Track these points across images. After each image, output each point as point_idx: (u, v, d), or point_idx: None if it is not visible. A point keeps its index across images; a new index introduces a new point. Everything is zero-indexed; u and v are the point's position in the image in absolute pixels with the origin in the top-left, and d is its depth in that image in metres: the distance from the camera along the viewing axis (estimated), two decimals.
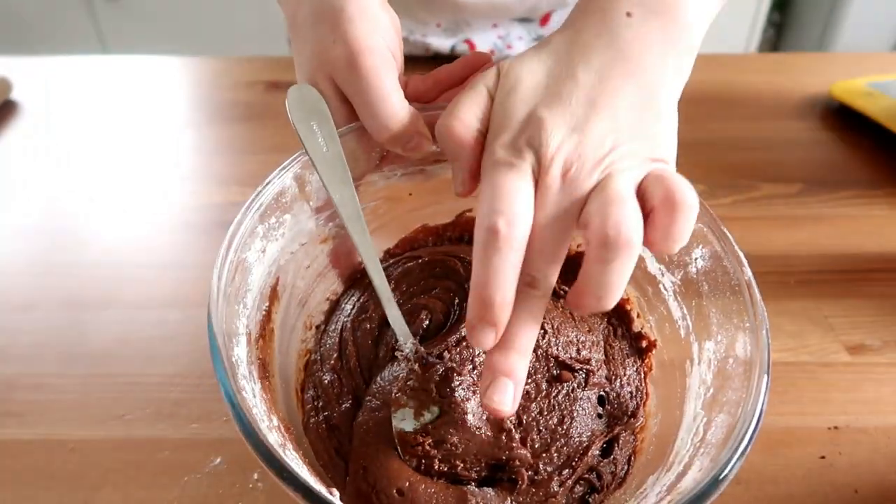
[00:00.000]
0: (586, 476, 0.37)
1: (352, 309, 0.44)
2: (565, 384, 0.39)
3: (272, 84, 0.85)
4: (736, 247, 0.35)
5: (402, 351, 0.39)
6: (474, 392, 0.36)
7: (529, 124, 0.30)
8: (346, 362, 0.41)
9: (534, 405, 0.38)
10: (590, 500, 0.36)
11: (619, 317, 0.44)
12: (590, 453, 0.37)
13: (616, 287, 0.28)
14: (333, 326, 0.44)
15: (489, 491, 0.35)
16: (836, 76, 0.81)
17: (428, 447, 0.35)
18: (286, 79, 0.85)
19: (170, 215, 0.65)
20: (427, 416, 0.36)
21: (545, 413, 0.38)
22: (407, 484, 0.34)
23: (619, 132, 0.30)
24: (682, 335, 0.39)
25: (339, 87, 0.38)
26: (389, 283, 0.39)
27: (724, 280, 0.35)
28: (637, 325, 0.43)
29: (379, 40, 0.37)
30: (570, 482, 0.36)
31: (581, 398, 0.39)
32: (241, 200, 0.35)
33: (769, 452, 0.43)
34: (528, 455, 0.36)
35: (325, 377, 0.41)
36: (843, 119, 0.77)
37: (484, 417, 0.36)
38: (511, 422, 0.36)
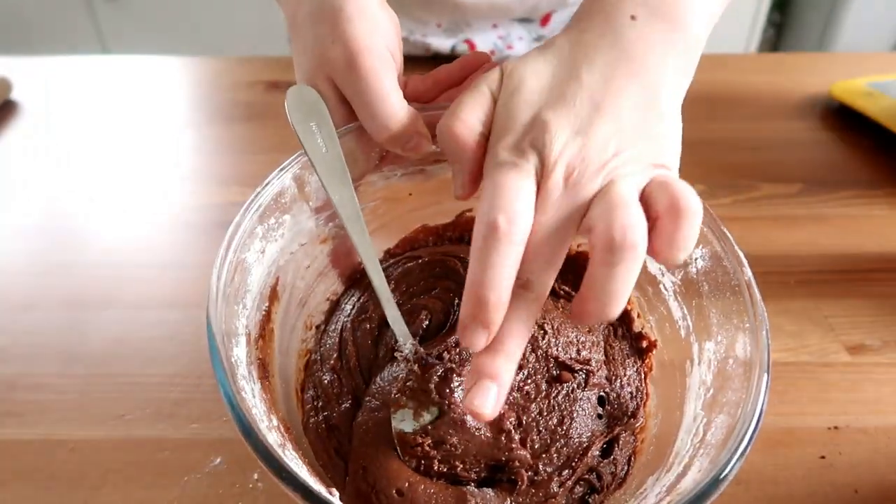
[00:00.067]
0: (586, 476, 0.37)
1: (352, 309, 0.44)
2: (565, 385, 0.39)
3: (272, 84, 0.85)
4: (736, 247, 0.35)
5: (401, 351, 0.39)
6: None
7: (533, 126, 0.30)
8: (346, 362, 0.41)
9: (533, 406, 0.38)
10: (590, 500, 0.36)
11: (620, 317, 0.44)
12: (590, 454, 0.37)
13: (621, 293, 0.27)
14: (333, 326, 0.44)
15: (489, 491, 0.35)
16: (836, 76, 0.81)
17: (427, 448, 0.35)
18: (286, 79, 0.85)
19: (170, 215, 0.65)
20: (426, 417, 0.36)
21: (545, 413, 0.38)
22: (406, 484, 0.34)
23: (623, 134, 0.30)
24: (682, 335, 0.39)
25: (339, 88, 0.38)
26: (389, 283, 0.39)
27: (725, 280, 0.35)
28: (637, 326, 0.43)
29: (378, 40, 0.37)
30: (569, 483, 0.36)
31: (581, 399, 0.39)
32: (240, 201, 0.35)
33: (769, 453, 0.43)
34: (528, 456, 0.36)
35: (324, 377, 0.41)
36: (843, 119, 0.77)
37: None
38: (511, 422, 0.36)
